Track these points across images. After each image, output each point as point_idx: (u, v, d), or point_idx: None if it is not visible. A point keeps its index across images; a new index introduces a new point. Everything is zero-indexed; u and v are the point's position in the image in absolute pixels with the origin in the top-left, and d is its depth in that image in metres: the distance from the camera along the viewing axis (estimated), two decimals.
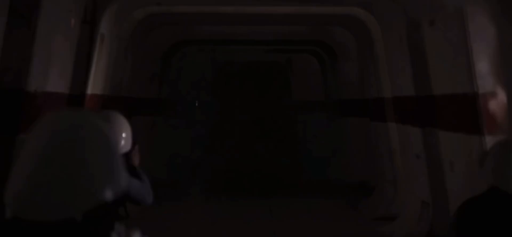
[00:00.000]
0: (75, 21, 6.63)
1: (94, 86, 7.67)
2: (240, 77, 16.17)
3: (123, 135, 4.08)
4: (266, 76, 16.15)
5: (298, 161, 14.78)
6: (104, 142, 1.62)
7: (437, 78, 6.68)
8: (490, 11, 5.64)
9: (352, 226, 9.27)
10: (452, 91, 6.28)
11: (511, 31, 5.54)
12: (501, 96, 5.70)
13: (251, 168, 14.24)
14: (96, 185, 1.55)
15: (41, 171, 1.50)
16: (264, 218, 9.70)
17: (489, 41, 5.66)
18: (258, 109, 16.04)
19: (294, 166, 14.42)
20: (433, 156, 7.23)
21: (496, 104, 5.70)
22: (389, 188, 9.68)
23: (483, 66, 5.68)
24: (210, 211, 10.11)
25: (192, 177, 13.08)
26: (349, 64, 12.31)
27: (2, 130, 5.46)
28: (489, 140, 5.41)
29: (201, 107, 16.31)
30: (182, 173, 13.19)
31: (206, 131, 15.74)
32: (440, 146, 6.88)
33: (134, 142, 4.22)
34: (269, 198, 11.08)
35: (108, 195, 1.57)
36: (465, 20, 5.74)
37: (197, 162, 14.39)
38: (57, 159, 1.51)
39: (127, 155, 4.07)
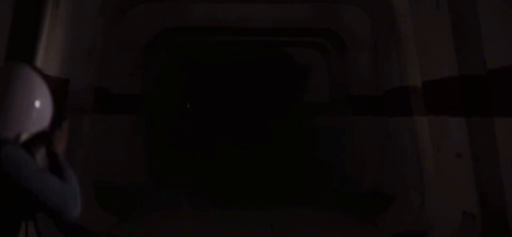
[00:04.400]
0: None
1: (45, 64, 5.99)
2: (236, 72, 14.88)
3: (36, 104, 2.49)
4: (265, 72, 14.84)
5: (302, 167, 13.48)
6: None
7: (494, 47, 4.99)
8: None
9: None
10: None
11: None
12: None
13: (249, 175, 13.03)
14: None
15: None
16: (263, 233, 8.32)
17: None
18: (257, 109, 14.77)
19: (298, 174, 13.13)
20: (483, 154, 5.56)
21: None
22: (415, 196, 8.01)
23: None
24: (201, 223, 8.77)
25: (181, 185, 11.60)
26: (361, 55, 11.14)
27: None
28: None
29: (191, 106, 15.08)
30: (170, 180, 11.86)
31: (197, 134, 14.46)
32: (497, 140, 5.18)
33: (59, 119, 2.66)
34: (269, 210, 9.71)
35: None
36: None
37: (186, 169, 13.18)
38: None
39: (45, 137, 2.60)
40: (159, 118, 13.29)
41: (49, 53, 6.07)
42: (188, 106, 15.64)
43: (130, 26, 10.29)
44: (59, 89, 6.41)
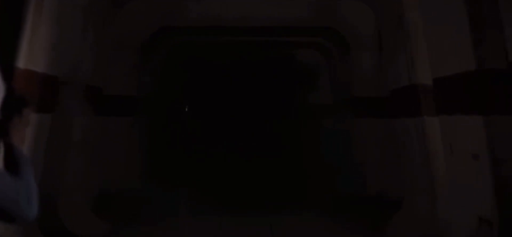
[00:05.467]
0: None
1: (30, 59, 5.58)
2: (236, 73, 14.51)
3: None
4: (265, 73, 14.47)
5: (303, 171, 13.06)
6: None
7: None
8: None
9: None
10: None
11: None
12: None
13: (248, 179, 12.67)
14: None
15: None
16: None
17: None
18: (257, 111, 14.39)
19: (299, 178, 12.72)
20: (503, 155, 5.15)
21: None
22: (424, 201, 7.58)
23: None
24: (200, 228, 8.41)
25: (179, 189, 11.29)
26: (364, 54, 10.80)
27: None
28: None
29: (190, 108, 14.72)
30: (168, 185, 11.46)
31: (195, 136, 14.09)
32: None
33: (18, 106, 2.20)
34: (269, 214, 9.31)
35: None
36: None
37: (185, 172, 12.91)
38: None
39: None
40: (157, 120, 12.88)
41: (34, 48, 5.65)
42: (186, 109, 15.27)
43: (126, 24, 9.92)
44: (46, 86, 6.00)
